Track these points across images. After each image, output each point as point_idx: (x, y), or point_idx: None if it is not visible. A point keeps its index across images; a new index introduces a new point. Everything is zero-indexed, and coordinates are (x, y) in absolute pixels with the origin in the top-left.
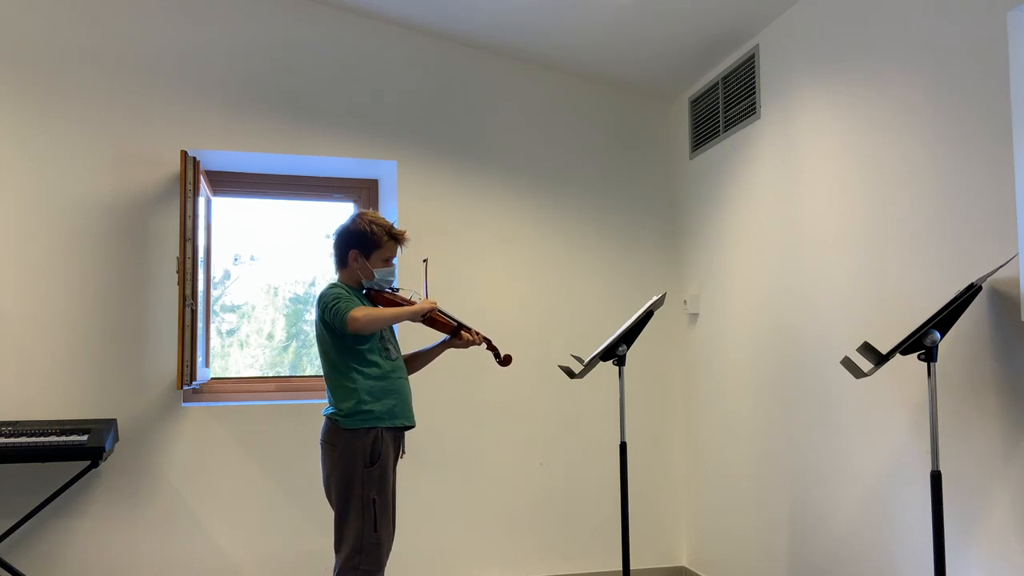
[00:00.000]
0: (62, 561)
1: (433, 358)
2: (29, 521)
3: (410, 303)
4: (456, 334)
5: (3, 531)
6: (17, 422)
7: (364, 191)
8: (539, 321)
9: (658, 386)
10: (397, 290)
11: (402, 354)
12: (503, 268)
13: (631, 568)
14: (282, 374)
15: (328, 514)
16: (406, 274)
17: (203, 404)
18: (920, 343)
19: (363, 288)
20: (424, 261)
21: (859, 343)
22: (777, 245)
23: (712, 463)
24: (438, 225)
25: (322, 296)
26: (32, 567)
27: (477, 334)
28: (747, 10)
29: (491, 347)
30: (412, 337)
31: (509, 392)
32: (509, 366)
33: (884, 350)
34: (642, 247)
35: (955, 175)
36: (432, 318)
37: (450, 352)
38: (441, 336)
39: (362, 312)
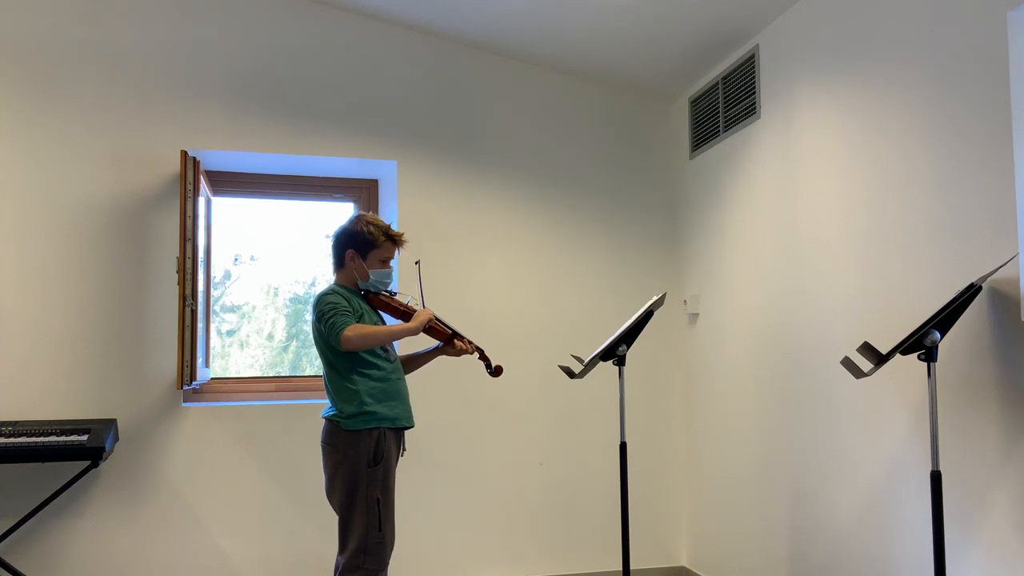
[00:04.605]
0: (62, 561)
1: (425, 363)
2: (29, 521)
3: (406, 308)
4: (450, 342)
5: (3, 531)
6: (17, 422)
7: (364, 191)
8: (539, 321)
9: (658, 386)
10: (394, 293)
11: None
12: (503, 267)
13: (631, 568)
14: (282, 374)
15: (328, 514)
16: (406, 280)
17: (203, 404)
18: (920, 343)
19: (361, 290)
20: (416, 263)
21: (859, 343)
22: (777, 245)
23: (712, 463)
24: (438, 224)
25: (318, 302)
26: (32, 567)
27: (470, 343)
28: (747, 10)
29: (483, 357)
30: (405, 341)
31: (509, 392)
32: (500, 376)
33: (884, 350)
34: (642, 247)
35: (955, 175)
36: (428, 324)
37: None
38: (434, 342)
39: (355, 331)
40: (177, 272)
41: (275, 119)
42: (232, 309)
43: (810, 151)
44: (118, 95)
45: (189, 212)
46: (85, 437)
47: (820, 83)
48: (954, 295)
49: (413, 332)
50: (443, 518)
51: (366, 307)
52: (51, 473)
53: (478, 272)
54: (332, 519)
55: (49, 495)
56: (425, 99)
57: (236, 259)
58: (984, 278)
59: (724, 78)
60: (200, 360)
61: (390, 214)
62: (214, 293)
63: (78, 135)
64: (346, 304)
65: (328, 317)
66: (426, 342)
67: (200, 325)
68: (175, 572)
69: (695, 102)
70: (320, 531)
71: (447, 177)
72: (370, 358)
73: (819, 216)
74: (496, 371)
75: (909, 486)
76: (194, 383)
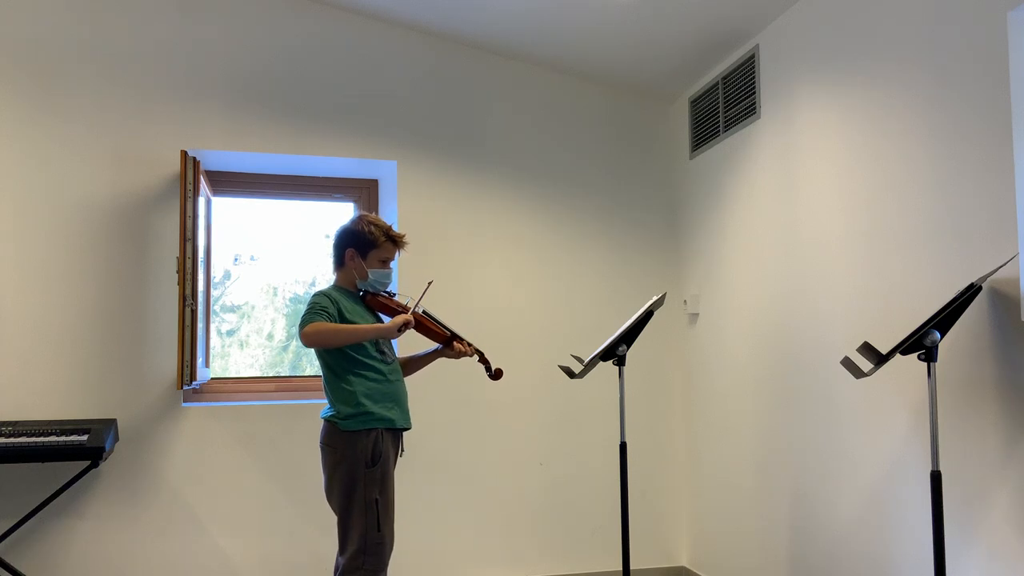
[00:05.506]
0: (62, 561)
1: (424, 365)
2: (29, 521)
3: (403, 309)
4: (448, 344)
5: (3, 531)
6: (17, 422)
7: (364, 191)
8: (539, 321)
9: (658, 386)
10: (393, 295)
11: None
12: (503, 267)
13: (631, 568)
14: (282, 374)
15: (328, 514)
16: (407, 281)
17: (203, 404)
18: (920, 343)
19: (359, 290)
20: (429, 283)
21: (859, 343)
22: (777, 245)
23: (712, 463)
24: (438, 224)
25: (308, 302)
26: (32, 567)
27: (469, 345)
28: (747, 10)
29: (483, 360)
30: (405, 343)
31: (509, 392)
32: (500, 379)
33: (884, 350)
34: (642, 247)
35: (955, 175)
36: (425, 326)
37: None
38: (433, 344)
39: (315, 328)
40: (177, 272)
41: (275, 119)
42: (232, 309)
43: (810, 151)
44: (118, 95)
45: (189, 212)
46: (85, 437)
47: (820, 83)
48: (954, 295)
49: (387, 334)
50: (443, 518)
51: (361, 308)
52: (51, 473)
53: (478, 272)
54: (332, 519)
55: (49, 495)
56: (425, 99)
57: (236, 259)
58: (984, 278)
59: (724, 78)
60: (200, 360)
61: (390, 214)
62: (214, 293)
63: (78, 135)
64: (327, 303)
65: (304, 315)
66: (426, 344)
67: (200, 325)
68: (175, 572)
69: (695, 102)
70: (320, 531)
71: (447, 177)
72: (366, 360)
73: (819, 216)
74: (496, 374)
75: (909, 486)
76: (194, 383)
